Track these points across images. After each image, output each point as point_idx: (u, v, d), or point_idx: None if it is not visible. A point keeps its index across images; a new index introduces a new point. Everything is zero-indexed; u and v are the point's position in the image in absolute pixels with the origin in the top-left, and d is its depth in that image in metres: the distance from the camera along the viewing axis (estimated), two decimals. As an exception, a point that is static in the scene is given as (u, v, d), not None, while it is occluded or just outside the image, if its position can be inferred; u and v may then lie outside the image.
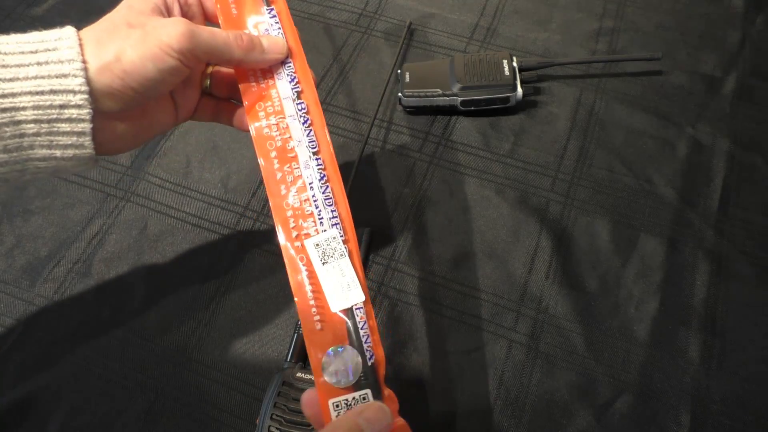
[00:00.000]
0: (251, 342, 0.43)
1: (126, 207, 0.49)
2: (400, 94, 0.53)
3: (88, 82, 0.30)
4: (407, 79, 0.53)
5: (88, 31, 0.32)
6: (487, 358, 0.42)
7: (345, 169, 0.50)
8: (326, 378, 0.30)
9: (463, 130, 0.52)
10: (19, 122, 0.29)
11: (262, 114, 0.35)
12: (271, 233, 0.47)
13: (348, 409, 0.30)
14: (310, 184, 0.34)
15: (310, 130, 0.34)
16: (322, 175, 0.34)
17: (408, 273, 0.45)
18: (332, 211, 0.33)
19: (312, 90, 0.35)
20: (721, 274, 0.44)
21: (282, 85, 0.35)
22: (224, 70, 0.39)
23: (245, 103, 0.35)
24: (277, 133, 0.34)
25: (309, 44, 0.58)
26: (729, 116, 0.52)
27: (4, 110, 0.29)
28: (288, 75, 0.35)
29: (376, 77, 0.56)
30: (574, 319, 0.43)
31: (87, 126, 0.30)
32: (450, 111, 0.53)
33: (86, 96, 0.30)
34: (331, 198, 0.34)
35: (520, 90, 0.51)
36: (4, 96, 0.29)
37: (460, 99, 0.52)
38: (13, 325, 0.43)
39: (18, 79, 0.29)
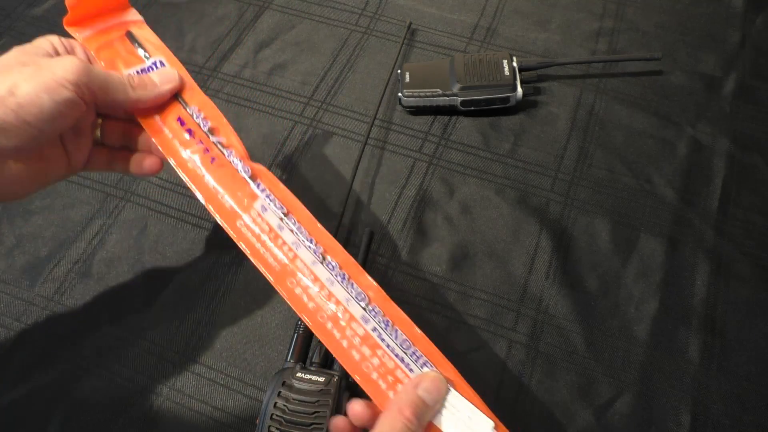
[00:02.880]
0: (251, 342, 0.43)
1: (126, 207, 0.49)
2: (400, 94, 0.53)
3: None
4: (407, 79, 0.53)
5: None
6: (487, 358, 0.42)
7: (345, 169, 0.50)
8: None
9: (463, 130, 0.52)
10: None
11: (299, 290, 0.33)
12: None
13: None
14: (378, 336, 0.32)
15: (352, 284, 0.33)
16: (386, 323, 0.33)
17: (408, 273, 0.45)
18: (414, 353, 0.32)
19: (331, 240, 0.35)
20: (721, 274, 0.44)
21: (304, 254, 0.34)
22: (115, 121, 0.40)
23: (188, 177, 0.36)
24: (323, 302, 0.33)
25: (309, 44, 0.58)
26: (729, 116, 0.52)
27: None
28: (304, 240, 0.34)
29: (376, 77, 0.56)
30: (574, 319, 0.43)
31: None
32: (450, 111, 0.53)
33: None
34: (406, 340, 0.32)
35: (520, 90, 0.52)
36: None
37: (460, 99, 0.52)
38: (13, 325, 0.43)
39: None
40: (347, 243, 0.47)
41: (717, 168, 0.49)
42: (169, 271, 0.46)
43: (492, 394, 0.40)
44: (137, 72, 0.38)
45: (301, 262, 0.34)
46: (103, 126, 0.39)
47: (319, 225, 0.35)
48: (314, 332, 0.33)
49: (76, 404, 0.40)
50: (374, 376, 0.32)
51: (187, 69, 0.57)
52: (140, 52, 0.39)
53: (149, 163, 0.39)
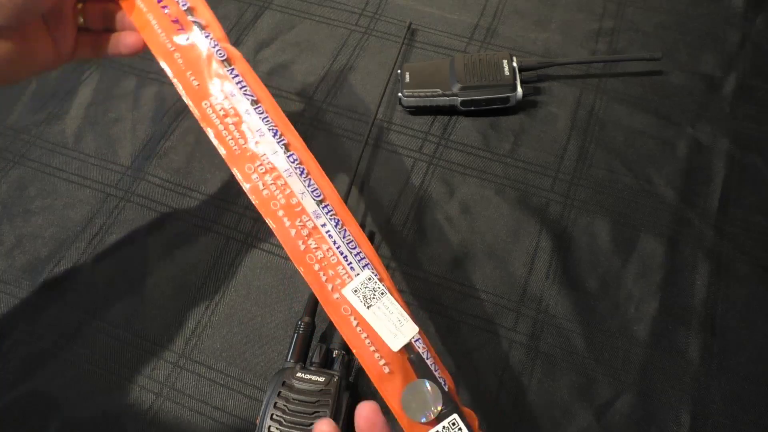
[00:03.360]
0: (251, 342, 0.43)
1: (126, 207, 0.49)
2: (400, 94, 0.53)
3: None
4: (407, 79, 0.53)
5: None
6: (487, 358, 0.42)
7: (345, 169, 0.50)
8: (411, 417, 0.29)
9: (463, 130, 0.52)
10: None
11: (255, 176, 0.33)
12: (271, 232, 0.47)
13: None
14: (327, 232, 0.33)
15: (309, 179, 0.34)
16: (336, 221, 0.33)
17: (408, 273, 0.45)
18: (358, 253, 0.33)
19: (296, 137, 0.35)
20: (721, 274, 0.44)
21: (267, 144, 0.34)
22: (94, 3, 0.39)
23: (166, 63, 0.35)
24: (278, 191, 0.33)
25: (309, 44, 0.58)
26: (729, 116, 0.52)
27: None
28: (270, 130, 0.34)
29: (376, 77, 0.56)
30: (574, 319, 0.43)
31: None
32: (450, 111, 0.53)
33: None
34: (352, 240, 0.33)
35: (520, 90, 0.52)
36: None
37: (460, 99, 0.52)
38: (13, 325, 0.43)
39: None
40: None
41: (717, 168, 0.49)
42: (169, 271, 0.46)
43: (492, 394, 0.40)
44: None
45: (262, 149, 0.34)
46: (84, 9, 0.39)
47: (286, 119, 0.35)
48: (264, 217, 0.33)
49: (75, 404, 0.40)
50: (316, 267, 0.32)
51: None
52: None
53: (131, 40, 0.39)
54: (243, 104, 0.35)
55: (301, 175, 0.34)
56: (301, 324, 0.40)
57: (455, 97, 0.52)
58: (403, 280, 0.45)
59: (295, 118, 0.53)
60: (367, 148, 0.51)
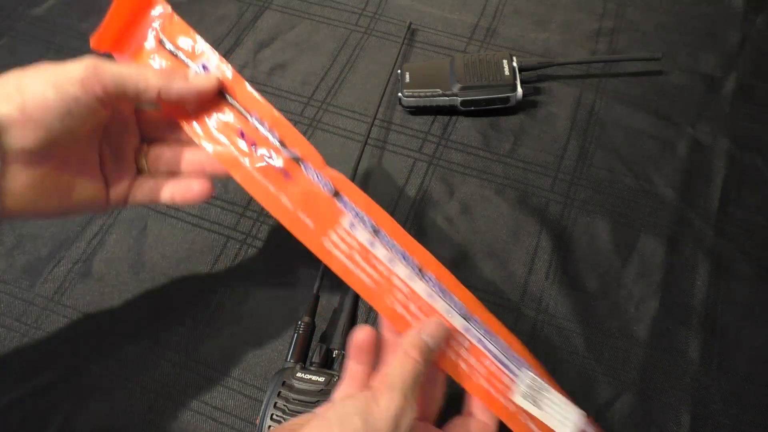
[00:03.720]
0: (251, 342, 0.43)
1: (126, 207, 0.49)
2: (400, 94, 0.53)
3: None
4: (407, 79, 0.53)
5: None
6: (487, 358, 0.41)
7: (345, 169, 0.50)
8: None
9: (463, 130, 0.52)
10: None
11: (400, 308, 0.33)
12: (271, 232, 0.47)
13: None
14: (483, 345, 0.33)
15: (451, 296, 0.33)
16: (485, 331, 0.33)
17: (408, 273, 0.45)
18: (513, 356, 0.33)
19: (424, 253, 0.34)
20: (721, 274, 0.44)
21: (401, 270, 0.33)
22: (161, 146, 0.36)
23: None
24: (423, 316, 0.33)
25: (309, 44, 0.58)
26: (729, 116, 0.52)
27: None
28: (399, 255, 0.33)
29: (376, 77, 0.56)
30: (574, 319, 0.43)
31: None
32: (450, 111, 0.53)
33: None
34: (505, 345, 0.33)
35: (520, 90, 0.51)
36: None
37: (460, 99, 0.52)
38: (13, 325, 0.43)
39: None
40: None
41: (717, 168, 0.49)
42: (168, 271, 0.46)
43: (492, 394, 0.40)
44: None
45: (397, 278, 0.33)
46: (147, 152, 0.36)
47: (408, 235, 0.34)
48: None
49: (75, 404, 0.40)
50: (483, 383, 0.33)
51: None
52: (181, 56, 0.35)
53: (200, 187, 0.35)
54: (364, 235, 0.33)
55: (442, 294, 0.33)
56: (301, 324, 0.40)
57: (455, 97, 0.52)
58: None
59: (295, 118, 0.53)
60: (367, 148, 0.51)
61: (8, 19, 0.61)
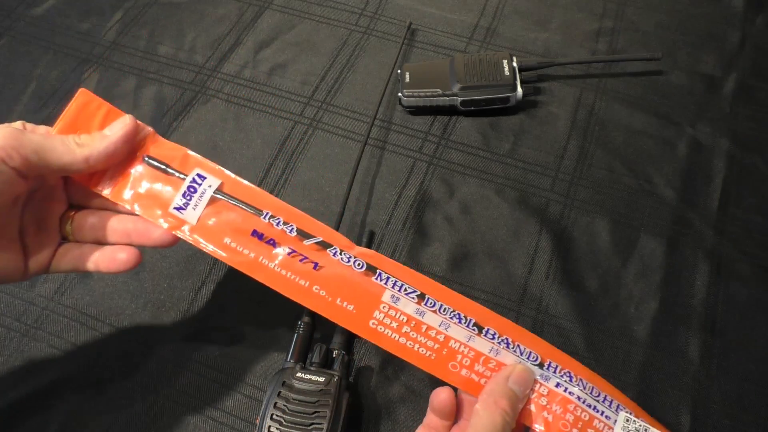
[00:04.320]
0: (251, 342, 0.43)
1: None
2: (400, 94, 0.53)
3: None
4: (407, 79, 0.53)
5: None
6: (487, 358, 0.41)
7: (345, 169, 0.50)
8: None
9: (463, 130, 0.52)
10: None
11: (465, 372, 0.31)
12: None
13: None
14: (566, 390, 0.31)
15: (519, 346, 0.32)
16: (567, 374, 0.32)
17: (408, 273, 0.45)
18: (604, 398, 0.31)
19: (479, 308, 0.32)
20: (721, 274, 0.44)
21: (457, 333, 0.32)
22: (87, 213, 0.34)
23: None
24: (492, 373, 0.31)
25: (309, 44, 0.58)
26: (729, 116, 0.52)
27: None
28: (452, 317, 0.32)
29: (376, 77, 0.56)
30: (574, 319, 0.43)
31: None
32: (450, 111, 0.53)
33: None
34: (592, 387, 0.31)
35: (520, 90, 0.52)
36: None
37: (460, 99, 0.52)
38: (14, 325, 0.43)
39: None
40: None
41: (717, 168, 0.49)
42: (168, 271, 0.46)
43: (492, 394, 0.40)
44: (184, 196, 0.33)
45: (455, 342, 0.32)
46: (73, 219, 0.34)
47: (456, 293, 0.33)
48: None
49: (75, 404, 0.40)
50: None
51: (187, 69, 0.57)
52: (172, 173, 0.34)
53: (126, 256, 0.33)
54: (410, 305, 0.32)
55: (508, 347, 0.32)
56: (301, 324, 0.40)
57: (455, 97, 0.52)
58: (403, 280, 0.45)
59: (295, 118, 0.53)
60: (367, 148, 0.51)
61: (8, 19, 0.61)
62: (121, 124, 0.32)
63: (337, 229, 0.45)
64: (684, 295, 0.43)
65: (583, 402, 0.31)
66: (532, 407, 0.31)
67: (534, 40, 0.58)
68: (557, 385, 0.31)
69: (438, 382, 0.32)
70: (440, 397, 0.32)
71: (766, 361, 0.41)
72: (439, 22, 0.59)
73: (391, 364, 0.41)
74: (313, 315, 0.41)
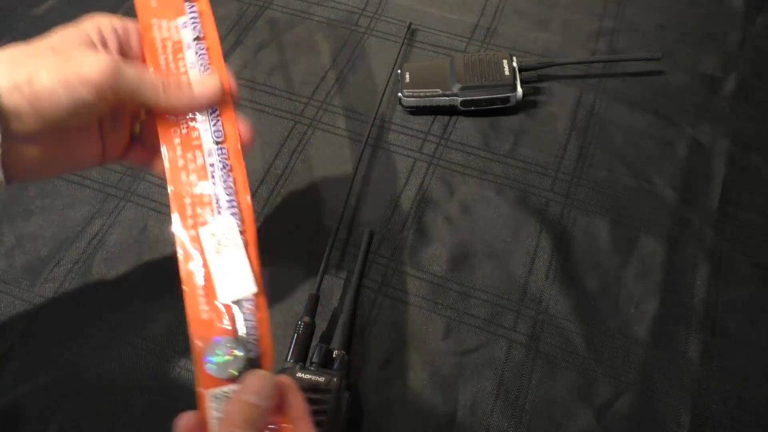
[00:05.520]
0: (251, 342, 0.42)
1: (126, 207, 0.49)
2: (400, 94, 0.53)
3: None
4: (407, 79, 0.53)
5: (6, 50, 0.30)
6: (487, 358, 0.41)
7: (345, 169, 0.50)
8: (206, 368, 0.29)
9: (463, 130, 0.52)
10: None
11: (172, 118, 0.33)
12: (271, 233, 0.47)
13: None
14: (211, 172, 0.32)
15: (218, 120, 0.33)
16: (224, 164, 0.33)
17: (408, 273, 0.45)
18: (231, 201, 0.32)
19: (221, 67, 0.34)
20: (721, 274, 0.44)
21: (192, 73, 0.33)
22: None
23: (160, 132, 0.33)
24: (183, 121, 0.33)
25: (309, 44, 0.58)
26: (729, 116, 0.52)
27: None
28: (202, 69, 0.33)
29: (376, 77, 0.56)
30: (574, 319, 0.43)
31: None
32: (450, 111, 0.53)
33: None
34: (231, 188, 0.32)
35: (520, 90, 0.51)
36: None
37: (460, 99, 0.52)
38: (13, 325, 0.43)
39: None
40: (347, 243, 0.46)
41: (717, 168, 0.49)
42: (168, 271, 0.45)
43: (492, 394, 0.40)
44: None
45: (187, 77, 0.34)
46: (143, 123, 0.36)
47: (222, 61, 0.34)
48: (161, 142, 0.33)
49: (76, 404, 0.40)
50: (187, 201, 0.32)
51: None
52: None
53: None
54: (188, 36, 0.34)
55: (211, 113, 0.33)
56: (301, 324, 0.40)
57: (455, 97, 0.52)
58: (403, 280, 0.45)
59: (295, 118, 0.53)
60: (367, 148, 0.51)
61: (8, 19, 0.61)
62: (210, 89, 0.33)
63: (337, 229, 0.45)
64: (684, 295, 0.43)
65: (216, 192, 0.32)
66: (180, 163, 0.32)
67: (534, 40, 0.58)
68: (211, 165, 0.33)
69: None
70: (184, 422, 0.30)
71: (766, 361, 0.41)
72: (439, 22, 0.59)
73: (391, 364, 0.41)
74: (313, 315, 0.41)
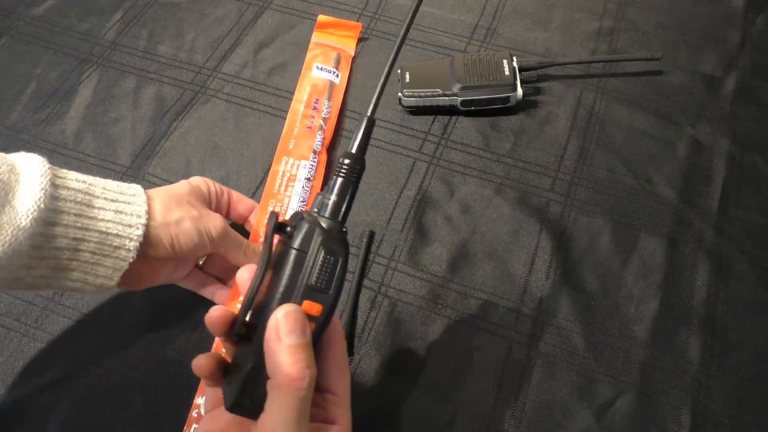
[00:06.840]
0: (251, 342, 0.42)
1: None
2: (399, 94, 0.53)
3: (147, 234, 0.36)
4: (407, 79, 0.53)
5: (157, 193, 0.38)
6: (487, 358, 0.41)
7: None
8: None
9: (463, 130, 0.52)
10: (79, 250, 0.34)
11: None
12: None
13: None
14: None
15: None
16: None
17: (408, 273, 0.45)
18: None
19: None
20: (721, 274, 0.44)
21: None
22: (220, 257, 0.42)
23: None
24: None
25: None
26: (729, 116, 0.52)
27: (75, 239, 0.34)
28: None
29: (376, 77, 0.56)
30: (574, 319, 0.43)
31: (125, 266, 0.35)
32: (450, 111, 0.53)
33: (137, 245, 0.35)
34: None
35: (520, 90, 0.51)
36: (79, 228, 0.34)
37: (460, 99, 0.52)
38: (13, 325, 0.43)
39: (97, 219, 0.35)
40: (347, 243, 0.46)
41: (717, 168, 0.49)
42: (169, 271, 0.46)
43: (492, 394, 0.40)
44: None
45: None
46: (209, 256, 0.43)
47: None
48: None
49: (76, 404, 0.40)
50: None
51: (186, 69, 0.57)
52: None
53: (224, 298, 0.43)
54: (303, 174, 0.48)
55: None
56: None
57: (455, 97, 0.52)
58: (403, 280, 0.45)
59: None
60: (368, 148, 0.51)
61: (8, 19, 0.61)
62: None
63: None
64: (684, 295, 0.43)
65: None
66: None
67: (534, 40, 0.58)
68: None
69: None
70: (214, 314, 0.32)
71: (766, 361, 0.41)
72: (439, 22, 0.59)
73: (391, 363, 0.41)
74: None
